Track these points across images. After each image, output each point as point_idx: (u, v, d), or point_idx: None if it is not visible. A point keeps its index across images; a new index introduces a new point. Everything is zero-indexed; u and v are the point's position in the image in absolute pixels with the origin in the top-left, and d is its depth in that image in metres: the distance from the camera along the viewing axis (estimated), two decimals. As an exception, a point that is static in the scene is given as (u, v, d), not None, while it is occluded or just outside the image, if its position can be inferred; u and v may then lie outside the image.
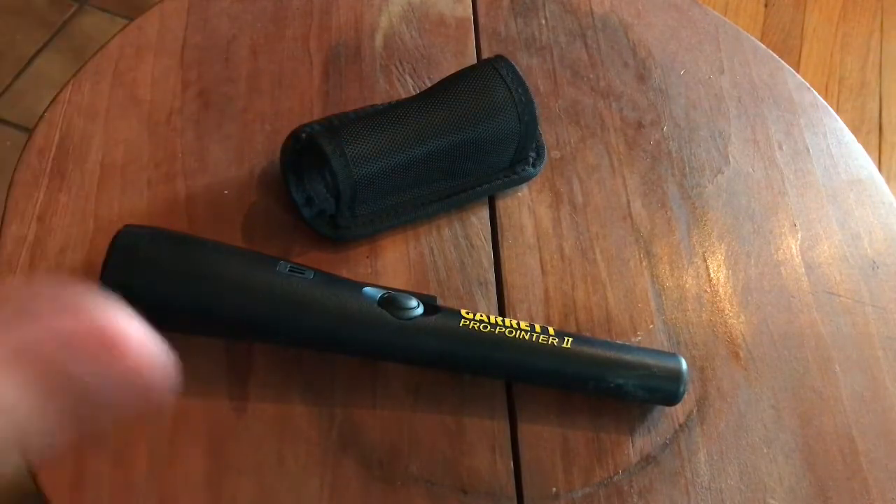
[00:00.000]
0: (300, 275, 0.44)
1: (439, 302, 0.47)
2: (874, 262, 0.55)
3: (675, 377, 0.46)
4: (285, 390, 0.45)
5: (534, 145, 0.55)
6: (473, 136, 0.50)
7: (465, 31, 0.62)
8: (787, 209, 0.57)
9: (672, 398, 0.46)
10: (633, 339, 0.50)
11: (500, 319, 0.45)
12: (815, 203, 0.58)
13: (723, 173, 0.58)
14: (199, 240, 0.44)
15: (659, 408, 0.48)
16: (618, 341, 0.49)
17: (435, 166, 0.50)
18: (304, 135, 0.50)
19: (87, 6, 1.42)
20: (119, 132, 0.53)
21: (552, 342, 0.45)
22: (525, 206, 0.54)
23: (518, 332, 0.45)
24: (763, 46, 0.66)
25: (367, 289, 0.44)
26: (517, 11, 0.64)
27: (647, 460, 0.46)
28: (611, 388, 0.45)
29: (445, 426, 0.46)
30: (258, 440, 0.44)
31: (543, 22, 0.64)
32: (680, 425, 0.47)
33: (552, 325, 0.48)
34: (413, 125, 0.49)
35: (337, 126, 0.50)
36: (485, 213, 0.54)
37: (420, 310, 0.44)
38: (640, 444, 0.47)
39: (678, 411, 0.48)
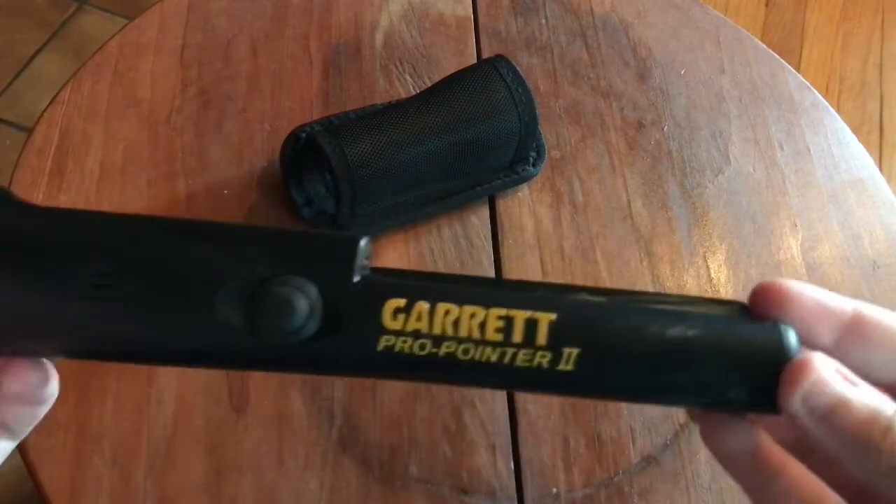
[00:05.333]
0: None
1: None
2: (875, 263, 0.55)
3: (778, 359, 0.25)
4: (285, 390, 0.45)
5: (534, 145, 0.55)
6: (473, 135, 0.50)
7: (466, 30, 0.62)
8: (788, 209, 0.57)
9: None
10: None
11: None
12: (815, 203, 0.58)
13: (723, 173, 0.58)
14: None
15: (659, 408, 0.47)
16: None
17: (435, 166, 0.50)
18: (304, 135, 0.50)
19: (87, 6, 1.42)
20: (119, 132, 0.53)
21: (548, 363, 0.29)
22: (525, 205, 0.54)
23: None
24: (763, 46, 0.66)
25: None
26: (517, 11, 0.64)
27: (648, 461, 0.46)
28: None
29: (445, 426, 0.46)
30: (258, 440, 0.44)
31: (544, 21, 0.64)
32: (680, 425, 0.47)
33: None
34: (413, 125, 0.49)
35: (337, 126, 0.49)
36: (485, 213, 0.54)
37: None
38: (640, 444, 0.46)
39: (678, 411, 0.48)
